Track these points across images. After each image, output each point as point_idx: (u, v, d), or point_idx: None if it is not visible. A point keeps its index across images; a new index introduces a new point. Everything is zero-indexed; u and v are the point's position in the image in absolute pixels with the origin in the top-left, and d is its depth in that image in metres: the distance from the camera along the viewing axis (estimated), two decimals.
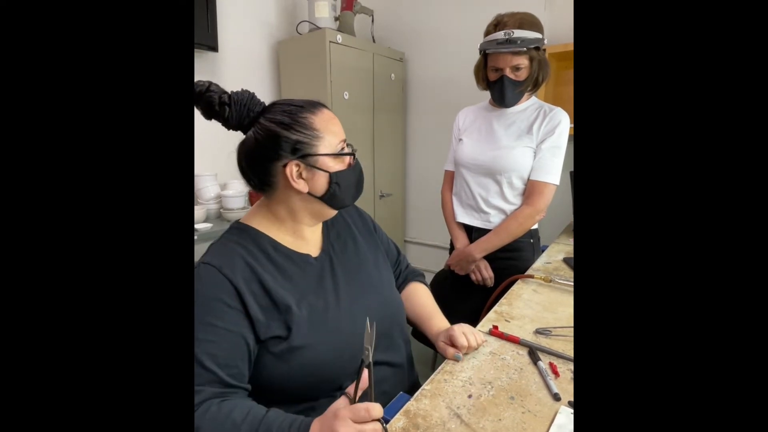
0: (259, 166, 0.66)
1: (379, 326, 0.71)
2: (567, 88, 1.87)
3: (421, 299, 0.88)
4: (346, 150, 0.69)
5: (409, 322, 0.87)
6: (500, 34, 1.08)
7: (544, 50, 1.13)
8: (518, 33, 1.06)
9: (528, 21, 1.08)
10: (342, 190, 0.69)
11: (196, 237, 1.40)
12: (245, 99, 0.65)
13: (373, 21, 2.21)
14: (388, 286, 0.79)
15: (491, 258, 1.25)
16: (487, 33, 1.14)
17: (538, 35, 1.08)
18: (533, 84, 1.15)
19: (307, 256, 0.72)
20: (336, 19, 1.96)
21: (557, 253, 1.37)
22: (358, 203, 0.91)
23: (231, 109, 0.64)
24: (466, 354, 0.73)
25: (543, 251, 1.39)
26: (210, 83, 0.64)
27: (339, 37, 1.84)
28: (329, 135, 0.66)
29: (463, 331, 0.73)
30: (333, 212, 0.74)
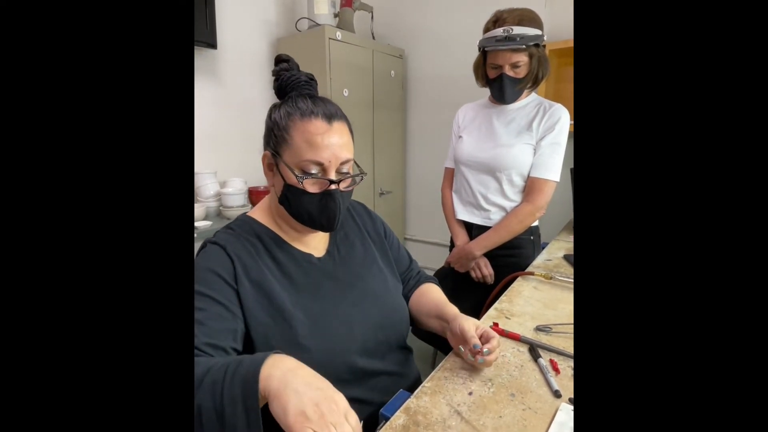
0: (263, 147, 0.69)
1: (378, 334, 0.70)
2: (567, 84, 1.87)
3: (430, 295, 0.83)
4: (312, 172, 0.62)
5: (423, 320, 0.81)
6: (499, 31, 1.07)
7: (544, 46, 1.12)
8: (517, 30, 1.05)
9: (527, 17, 1.07)
10: (292, 208, 0.66)
11: (195, 235, 1.40)
12: (292, 80, 0.67)
13: (372, 18, 2.20)
14: (392, 293, 0.77)
15: (491, 255, 1.25)
16: (486, 30, 1.13)
17: (537, 32, 1.07)
18: (533, 81, 1.14)
19: (310, 256, 0.71)
20: (335, 16, 1.96)
21: (557, 250, 1.37)
22: (359, 199, 0.90)
23: (277, 83, 0.68)
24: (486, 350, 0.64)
25: (543, 248, 1.39)
26: (290, 60, 0.69)
27: (338, 34, 1.83)
28: (302, 148, 0.62)
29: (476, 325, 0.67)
30: (299, 224, 0.69)
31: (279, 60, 0.69)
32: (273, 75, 0.69)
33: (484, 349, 0.63)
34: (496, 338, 0.65)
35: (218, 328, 0.58)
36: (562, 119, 1.14)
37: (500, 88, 1.14)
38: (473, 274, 1.27)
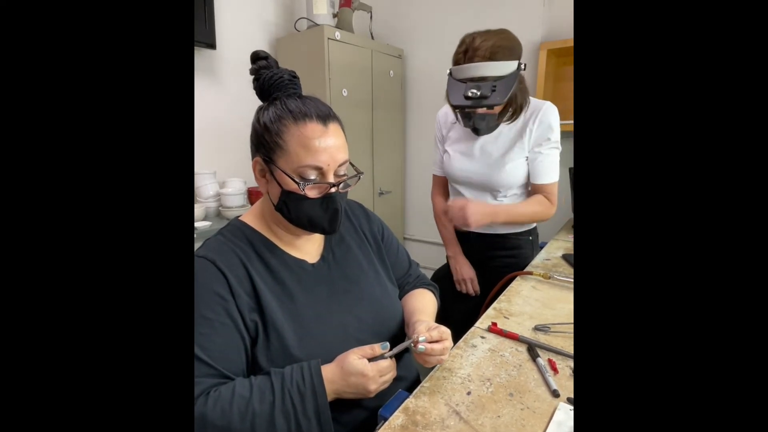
0: (251, 152, 0.68)
1: (373, 339, 0.68)
2: (566, 84, 1.87)
3: (412, 301, 0.81)
4: (311, 178, 0.61)
5: (404, 327, 0.79)
6: (469, 71, 0.94)
7: (524, 69, 0.99)
8: (490, 71, 0.93)
9: (502, 47, 0.94)
10: (292, 214, 0.64)
11: (195, 235, 1.40)
12: (274, 80, 0.64)
13: (371, 17, 2.20)
14: (388, 298, 0.76)
15: (490, 256, 1.24)
16: (456, 62, 0.99)
17: (512, 67, 0.94)
18: (512, 112, 1.05)
19: (303, 262, 0.70)
20: (334, 15, 1.95)
21: (556, 249, 1.37)
22: (358, 199, 0.89)
23: (258, 83, 0.66)
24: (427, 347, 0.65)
25: (542, 248, 1.39)
26: (269, 57, 0.67)
27: (337, 34, 1.83)
28: (299, 153, 0.60)
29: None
30: (297, 229, 0.68)
31: (256, 57, 0.66)
32: (252, 74, 0.66)
33: (420, 338, 0.64)
34: (446, 341, 0.66)
35: (227, 348, 0.59)
36: (551, 120, 1.07)
37: (473, 126, 1.05)
38: (458, 287, 1.27)
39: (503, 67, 0.94)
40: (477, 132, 1.08)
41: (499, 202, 1.16)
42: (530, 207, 1.12)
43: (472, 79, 0.95)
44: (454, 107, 1.00)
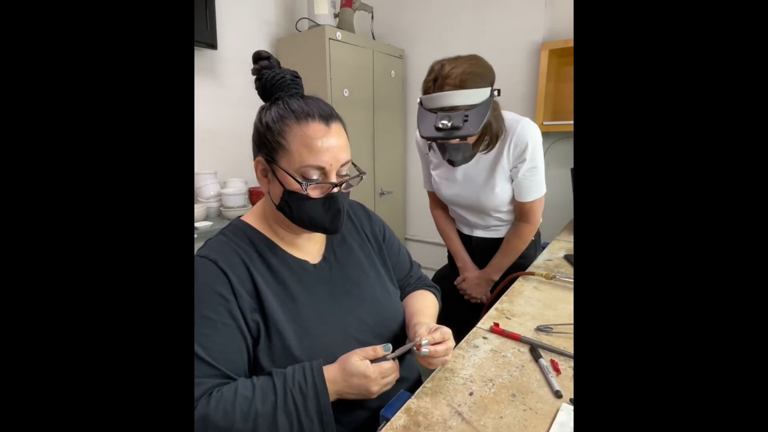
0: (253, 152, 0.67)
1: (374, 340, 0.68)
2: (567, 84, 1.86)
3: (413, 302, 0.81)
4: (314, 178, 0.61)
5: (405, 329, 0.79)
6: (440, 100, 0.90)
7: (498, 95, 0.94)
8: (462, 100, 0.88)
9: (472, 74, 0.89)
10: (294, 214, 0.64)
11: (195, 235, 1.40)
12: (276, 79, 0.64)
13: (372, 18, 2.20)
14: (389, 298, 0.76)
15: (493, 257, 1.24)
16: (426, 90, 0.94)
17: (485, 93, 0.90)
18: (488, 142, 1.02)
19: (305, 262, 0.69)
20: (335, 16, 1.95)
21: (558, 250, 1.37)
22: (358, 199, 0.89)
23: (260, 83, 0.66)
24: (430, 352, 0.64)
25: (544, 248, 1.39)
26: (270, 57, 0.66)
27: (338, 34, 1.83)
28: (301, 153, 0.59)
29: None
30: (299, 228, 0.67)
31: (258, 57, 0.66)
32: (254, 74, 0.66)
33: (423, 341, 0.63)
34: (448, 341, 0.66)
35: (229, 348, 0.59)
36: (530, 142, 1.02)
37: (448, 159, 1.02)
38: (470, 300, 1.27)
39: (475, 95, 0.89)
40: (453, 164, 1.05)
41: (497, 217, 1.18)
42: (519, 244, 1.17)
43: (443, 109, 0.90)
44: (425, 139, 0.95)
